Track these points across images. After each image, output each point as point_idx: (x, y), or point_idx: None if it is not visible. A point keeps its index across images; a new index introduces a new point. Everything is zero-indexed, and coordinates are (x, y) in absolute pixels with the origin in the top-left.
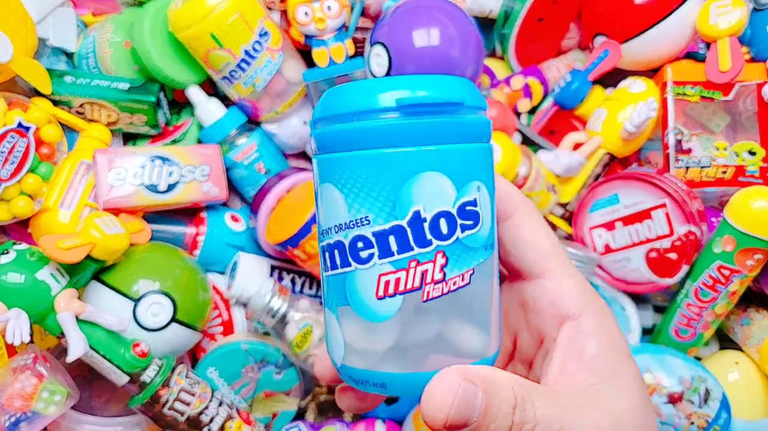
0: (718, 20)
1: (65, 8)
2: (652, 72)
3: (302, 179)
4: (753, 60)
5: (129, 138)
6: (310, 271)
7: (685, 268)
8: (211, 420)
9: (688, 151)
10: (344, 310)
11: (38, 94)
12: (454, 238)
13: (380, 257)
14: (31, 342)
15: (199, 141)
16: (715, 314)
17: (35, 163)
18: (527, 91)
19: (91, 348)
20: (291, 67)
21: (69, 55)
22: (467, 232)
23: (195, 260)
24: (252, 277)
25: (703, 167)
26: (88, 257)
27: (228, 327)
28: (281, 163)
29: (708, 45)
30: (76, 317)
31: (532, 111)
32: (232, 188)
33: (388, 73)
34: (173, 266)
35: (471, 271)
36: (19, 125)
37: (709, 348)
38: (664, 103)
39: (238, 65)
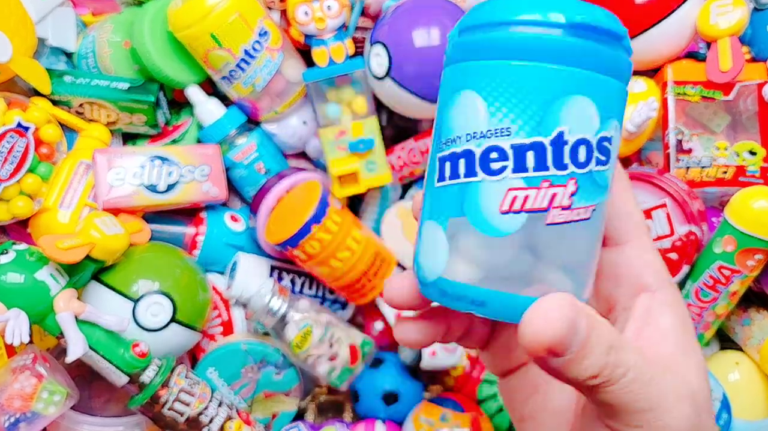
0: (718, 20)
1: (65, 8)
2: (653, 72)
3: (302, 179)
4: (753, 60)
5: (128, 138)
6: (309, 271)
7: (685, 268)
8: (211, 421)
9: (689, 151)
10: (457, 221)
11: (38, 94)
12: (588, 169)
13: (513, 171)
14: (31, 342)
15: (199, 141)
16: (715, 314)
17: (34, 163)
18: None
19: (91, 348)
20: (291, 67)
21: (68, 55)
22: (600, 167)
23: (194, 261)
24: (252, 277)
25: (703, 167)
26: (88, 257)
27: (228, 328)
28: (281, 163)
29: (708, 45)
30: (76, 318)
31: None
32: (232, 188)
33: (387, 73)
34: (173, 266)
35: (593, 206)
36: (19, 124)
37: (709, 348)
38: (664, 103)
39: (238, 65)
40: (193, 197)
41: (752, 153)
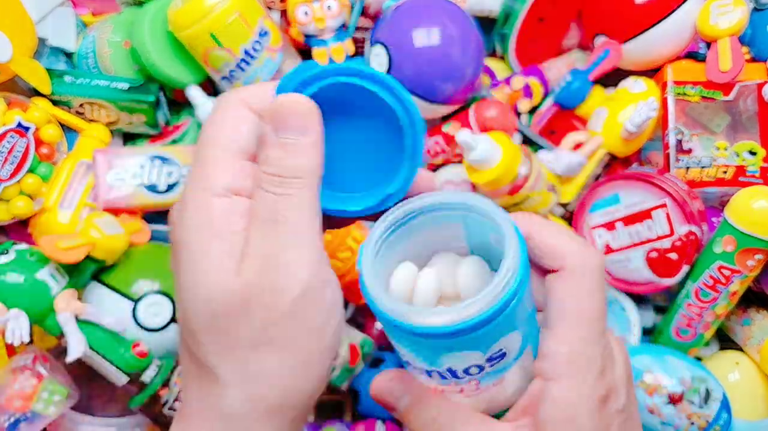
0: (718, 20)
1: (65, 8)
2: (653, 72)
3: None
4: (753, 60)
5: (129, 138)
6: None
7: (685, 268)
8: None
9: (689, 151)
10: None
11: (38, 94)
12: (483, 373)
13: (427, 378)
14: (31, 342)
15: None
16: (715, 314)
17: (35, 163)
18: (527, 91)
19: (91, 348)
20: (291, 67)
21: (68, 55)
22: (495, 365)
23: None
24: None
25: (703, 167)
26: (88, 257)
27: None
28: None
29: (708, 45)
30: (76, 318)
31: (533, 111)
32: None
33: (387, 73)
34: None
35: (502, 378)
36: (19, 124)
37: (709, 348)
38: (664, 103)
39: (238, 65)
40: None
41: (752, 153)
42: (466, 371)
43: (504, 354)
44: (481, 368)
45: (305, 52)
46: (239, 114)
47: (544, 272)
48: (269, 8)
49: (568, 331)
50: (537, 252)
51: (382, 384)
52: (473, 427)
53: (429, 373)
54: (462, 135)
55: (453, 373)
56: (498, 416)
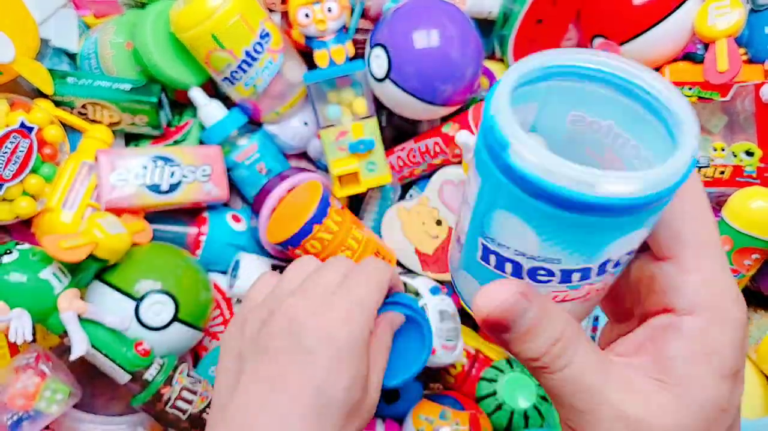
0: (716, 21)
1: (67, 9)
2: None
3: (303, 179)
4: (750, 61)
5: (131, 139)
6: None
7: None
8: None
9: None
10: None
11: (41, 94)
12: (621, 267)
13: (559, 283)
14: (34, 341)
15: (201, 142)
16: None
17: (38, 163)
18: None
19: (93, 347)
20: (291, 69)
21: (71, 56)
22: (627, 258)
23: (197, 260)
24: (253, 276)
25: (700, 168)
26: (91, 256)
27: None
28: (282, 163)
29: (706, 46)
30: (79, 317)
31: None
32: (234, 188)
33: (387, 75)
34: (175, 265)
35: (617, 272)
36: (22, 125)
37: None
38: None
39: (239, 66)
40: (195, 197)
41: (749, 154)
42: (618, 263)
43: (631, 254)
44: (629, 255)
45: (306, 54)
46: None
47: None
48: (270, 10)
49: (693, 259)
50: None
51: (494, 297)
52: (600, 364)
53: (566, 277)
54: (461, 136)
55: (603, 268)
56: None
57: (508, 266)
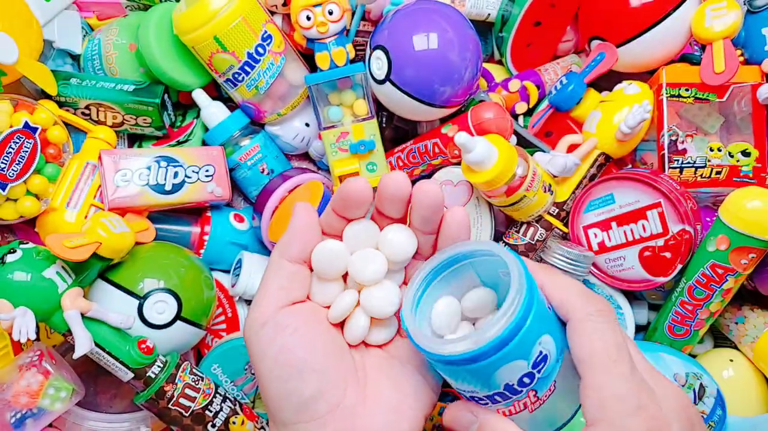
0: (713, 23)
1: (70, 11)
2: (648, 74)
3: (304, 180)
4: (747, 62)
5: (134, 140)
6: None
7: (679, 267)
8: (215, 416)
9: (683, 152)
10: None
11: (44, 95)
12: (536, 380)
13: (493, 404)
14: (37, 339)
15: (204, 143)
16: (709, 312)
17: (41, 163)
18: (524, 94)
19: (97, 345)
20: (293, 71)
21: (74, 58)
22: (543, 369)
23: (200, 259)
24: (255, 275)
25: (697, 168)
26: (94, 255)
27: (232, 324)
28: (284, 164)
29: (703, 47)
30: (82, 315)
31: (529, 113)
32: (236, 188)
33: (387, 76)
34: (178, 264)
35: (553, 384)
36: (26, 126)
37: (703, 345)
38: (659, 105)
39: (242, 68)
40: (197, 197)
41: (746, 154)
42: (521, 382)
43: (546, 356)
44: (531, 376)
45: (308, 56)
46: None
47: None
48: (272, 13)
49: (592, 377)
50: (551, 303)
51: (452, 413)
52: None
53: (492, 398)
54: (460, 137)
55: (511, 389)
56: None
57: (466, 395)
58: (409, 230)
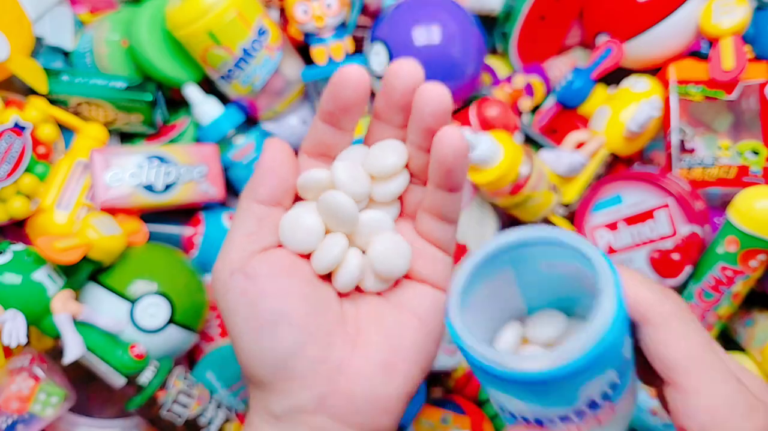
0: (721, 19)
1: (62, 6)
2: (655, 71)
3: None
4: (756, 59)
5: (126, 137)
6: None
7: (688, 269)
8: (210, 423)
9: (692, 150)
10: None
11: (35, 93)
12: (617, 389)
13: (562, 422)
14: (28, 343)
15: (197, 140)
16: (718, 315)
17: (32, 162)
18: (529, 90)
19: (88, 349)
20: (289, 66)
21: (66, 54)
22: (623, 376)
23: (192, 261)
24: None
25: (706, 167)
26: (85, 258)
27: (226, 329)
28: None
29: (711, 44)
30: (73, 319)
31: (534, 110)
32: (230, 187)
33: None
34: (171, 267)
35: (627, 390)
36: (16, 124)
37: None
38: (666, 102)
39: (236, 64)
40: (191, 197)
41: (755, 153)
42: (604, 395)
43: (628, 363)
44: (614, 386)
45: (304, 51)
46: None
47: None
48: (268, 6)
49: (689, 382)
50: None
51: None
52: None
53: (565, 419)
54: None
55: (591, 404)
56: None
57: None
58: (399, 142)
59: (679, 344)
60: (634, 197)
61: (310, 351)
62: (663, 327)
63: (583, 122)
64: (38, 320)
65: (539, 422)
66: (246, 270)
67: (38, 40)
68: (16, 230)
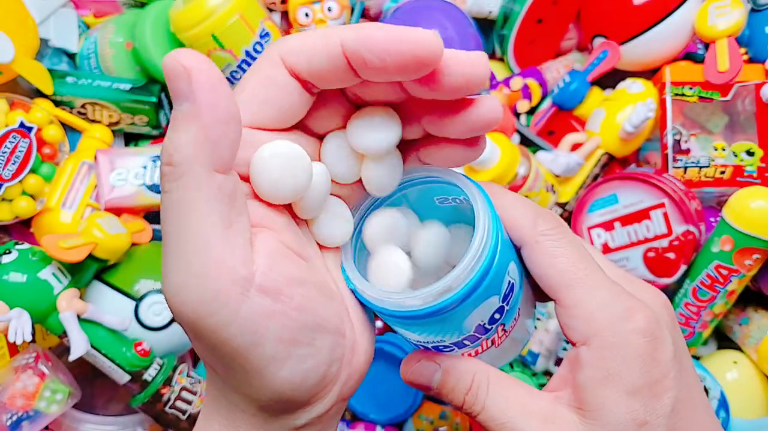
0: (716, 21)
1: (67, 9)
2: (651, 73)
3: None
4: (751, 60)
5: (131, 139)
6: None
7: (683, 268)
8: None
9: (687, 151)
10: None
11: (40, 94)
12: (505, 313)
13: (460, 349)
14: (33, 341)
15: None
16: (713, 313)
17: (37, 163)
18: (526, 92)
19: (93, 347)
20: None
21: (71, 56)
22: (510, 300)
23: None
24: None
25: (701, 167)
26: (90, 256)
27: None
28: None
29: (706, 46)
30: (78, 317)
31: (531, 112)
32: None
33: None
34: None
35: (518, 312)
36: (21, 125)
37: (707, 347)
38: (662, 103)
39: (240, 66)
40: None
41: (750, 153)
42: (492, 319)
43: (513, 286)
44: (501, 310)
45: None
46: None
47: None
48: (270, 10)
49: (567, 296)
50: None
51: (410, 368)
52: (516, 399)
53: (459, 344)
54: None
55: (481, 329)
56: (539, 387)
57: (429, 346)
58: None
59: (554, 262)
60: (630, 197)
61: (339, 348)
62: (537, 247)
63: (580, 123)
64: (44, 318)
65: (437, 349)
66: (263, 284)
67: (43, 43)
68: (22, 229)
